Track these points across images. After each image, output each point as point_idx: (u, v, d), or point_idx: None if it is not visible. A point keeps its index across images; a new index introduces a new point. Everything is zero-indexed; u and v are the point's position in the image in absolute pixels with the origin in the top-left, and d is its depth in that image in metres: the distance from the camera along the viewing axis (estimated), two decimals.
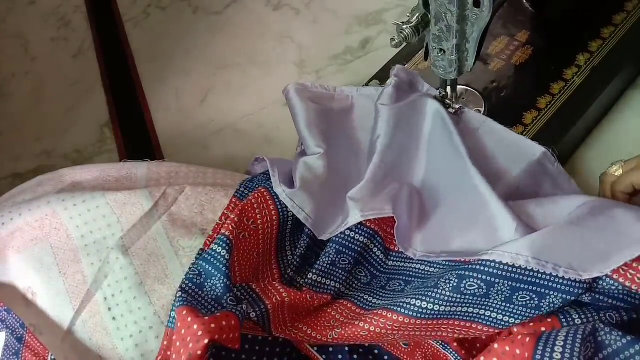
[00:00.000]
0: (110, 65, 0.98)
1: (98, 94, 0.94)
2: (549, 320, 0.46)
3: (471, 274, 0.47)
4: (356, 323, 0.50)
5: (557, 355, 0.40)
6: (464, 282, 0.47)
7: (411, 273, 0.55)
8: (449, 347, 0.52)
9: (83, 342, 0.53)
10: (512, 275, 0.47)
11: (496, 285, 0.47)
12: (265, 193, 0.56)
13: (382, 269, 0.57)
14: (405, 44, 0.58)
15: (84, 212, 0.56)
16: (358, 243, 0.55)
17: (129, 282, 0.53)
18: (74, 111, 0.92)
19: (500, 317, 0.48)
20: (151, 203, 0.57)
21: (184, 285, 0.51)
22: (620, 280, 0.46)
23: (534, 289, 0.46)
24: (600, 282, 0.47)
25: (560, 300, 0.46)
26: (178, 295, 0.50)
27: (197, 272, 0.52)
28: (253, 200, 0.56)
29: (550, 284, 0.46)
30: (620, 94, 0.70)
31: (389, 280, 0.56)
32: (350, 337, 0.51)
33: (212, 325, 0.44)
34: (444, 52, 0.58)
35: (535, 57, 0.71)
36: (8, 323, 0.54)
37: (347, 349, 0.53)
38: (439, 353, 0.52)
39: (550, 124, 0.65)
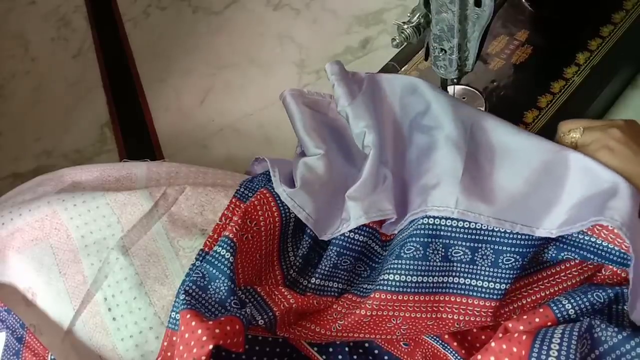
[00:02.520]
0: (110, 65, 0.98)
1: (98, 94, 0.94)
2: (541, 310, 0.47)
3: (454, 242, 0.51)
4: (356, 312, 0.51)
5: (553, 353, 0.40)
6: (450, 250, 0.51)
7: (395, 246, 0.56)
8: (448, 347, 0.52)
9: (83, 342, 0.53)
10: (492, 238, 0.50)
11: (480, 250, 0.50)
12: (267, 194, 0.56)
13: (379, 260, 0.57)
14: (405, 43, 0.58)
15: (84, 212, 0.56)
16: (358, 243, 0.55)
17: (129, 282, 0.53)
18: (74, 111, 0.92)
19: (492, 285, 0.50)
20: (151, 203, 0.57)
21: (187, 288, 0.51)
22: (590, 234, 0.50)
23: (516, 250, 0.50)
24: (567, 236, 0.51)
25: (533, 254, 0.51)
26: (181, 298, 0.50)
27: (201, 275, 0.52)
28: (256, 202, 0.56)
29: (527, 242, 0.50)
30: (620, 93, 0.70)
31: (384, 265, 0.56)
32: (353, 327, 0.51)
33: (217, 331, 0.44)
34: (445, 51, 0.58)
35: (535, 56, 0.71)
36: (8, 323, 0.54)
37: (347, 349, 0.53)
38: (438, 353, 0.52)
39: (552, 123, 0.65)
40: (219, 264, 0.51)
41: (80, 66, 1.00)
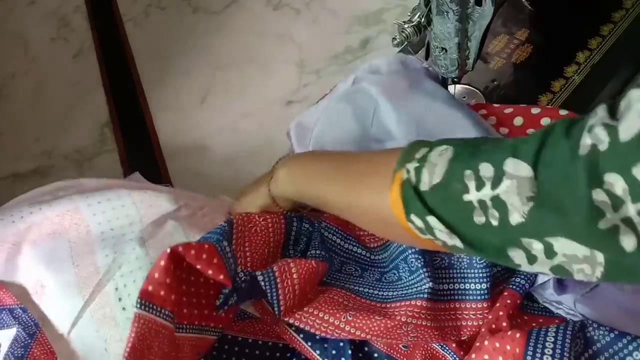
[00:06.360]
0: (110, 65, 0.98)
1: (98, 94, 0.93)
2: (505, 293, 0.51)
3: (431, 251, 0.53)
4: (371, 316, 0.51)
5: (548, 351, 0.41)
6: (431, 256, 0.54)
7: (393, 260, 0.58)
8: (447, 348, 0.52)
9: (89, 334, 0.52)
10: None
11: (453, 255, 0.54)
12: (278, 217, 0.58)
13: (368, 262, 0.59)
14: (406, 43, 0.58)
15: (108, 209, 0.56)
16: (342, 248, 0.58)
17: (143, 272, 0.52)
18: (74, 111, 0.92)
19: (474, 286, 0.52)
20: (175, 206, 0.58)
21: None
22: None
23: None
24: None
25: None
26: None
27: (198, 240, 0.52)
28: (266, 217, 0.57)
29: None
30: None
31: (382, 274, 0.57)
32: (363, 325, 0.51)
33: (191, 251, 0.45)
34: (446, 50, 0.58)
35: (535, 55, 0.72)
36: (22, 320, 0.54)
37: (349, 351, 0.53)
38: (437, 354, 0.52)
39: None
40: (218, 230, 0.52)
41: (80, 66, 0.99)
